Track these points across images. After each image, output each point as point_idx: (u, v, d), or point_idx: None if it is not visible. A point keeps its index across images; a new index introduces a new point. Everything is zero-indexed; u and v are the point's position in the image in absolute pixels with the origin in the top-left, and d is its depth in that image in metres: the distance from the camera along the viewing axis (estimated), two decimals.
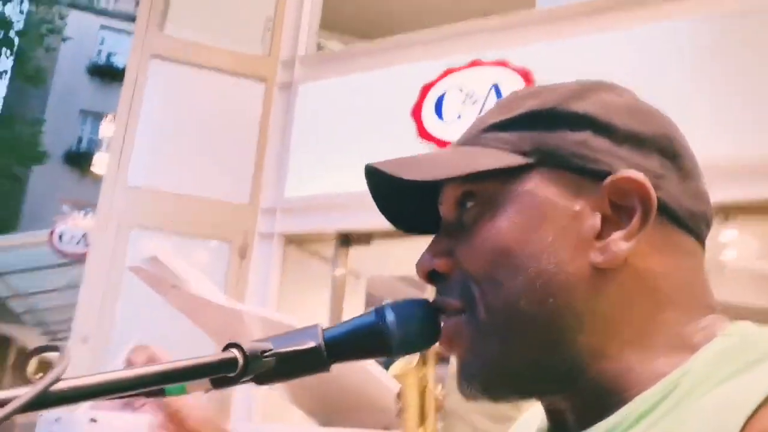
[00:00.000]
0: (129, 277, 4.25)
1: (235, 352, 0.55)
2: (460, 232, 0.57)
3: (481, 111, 5.16)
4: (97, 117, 19.32)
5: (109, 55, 21.30)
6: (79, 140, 20.64)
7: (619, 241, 0.51)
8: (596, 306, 0.51)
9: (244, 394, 5.36)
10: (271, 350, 0.58)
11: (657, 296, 0.52)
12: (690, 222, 0.54)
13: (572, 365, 0.52)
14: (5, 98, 18.42)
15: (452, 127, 5.27)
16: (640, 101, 0.58)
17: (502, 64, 5.22)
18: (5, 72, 17.32)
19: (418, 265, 0.59)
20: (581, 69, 4.02)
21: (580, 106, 0.55)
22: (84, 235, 8.84)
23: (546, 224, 0.52)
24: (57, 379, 0.42)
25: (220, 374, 0.54)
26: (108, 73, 20.32)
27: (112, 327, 5.29)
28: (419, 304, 0.61)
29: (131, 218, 5.60)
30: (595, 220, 0.52)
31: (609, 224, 0.52)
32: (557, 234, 0.52)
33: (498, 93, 5.17)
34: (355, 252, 5.84)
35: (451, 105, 5.34)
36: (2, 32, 16.20)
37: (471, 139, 0.59)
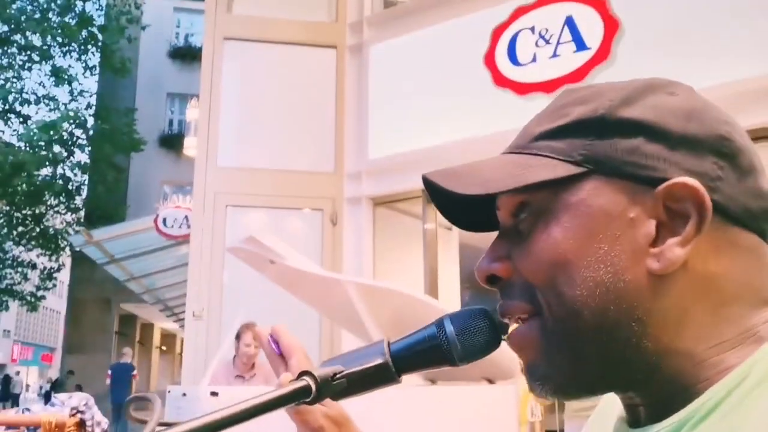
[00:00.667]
0: (231, 254, 4.45)
1: (307, 380, 0.59)
2: (517, 239, 0.58)
3: (555, 49, 5.00)
4: (183, 98, 19.97)
5: (186, 36, 21.88)
6: (170, 123, 21.45)
7: (674, 248, 0.51)
8: (658, 309, 0.52)
9: (353, 346, 5.54)
10: (341, 372, 0.61)
11: (719, 295, 0.52)
12: (749, 220, 0.53)
13: (642, 366, 0.53)
14: (98, 93, 19.30)
15: (529, 69, 5.13)
16: (695, 99, 0.57)
17: None
18: (94, 68, 18.14)
19: (478, 269, 0.60)
20: None
21: (631, 113, 0.54)
22: (186, 217, 9.27)
23: (601, 234, 0.53)
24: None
25: (296, 402, 0.59)
26: (188, 54, 20.88)
27: (221, 303, 5.57)
28: (477, 314, 0.63)
29: (225, 197, 5.83)
30: (650, 227, 0.52)
31: (664, 230, 0.52)
32: (613, 243, 0.52)
33: (572, 27, 4.97)
34: None
35: (524, 47, 5.18)
36: (86, 30, 16.92)
37: (522, 147, 0.59)
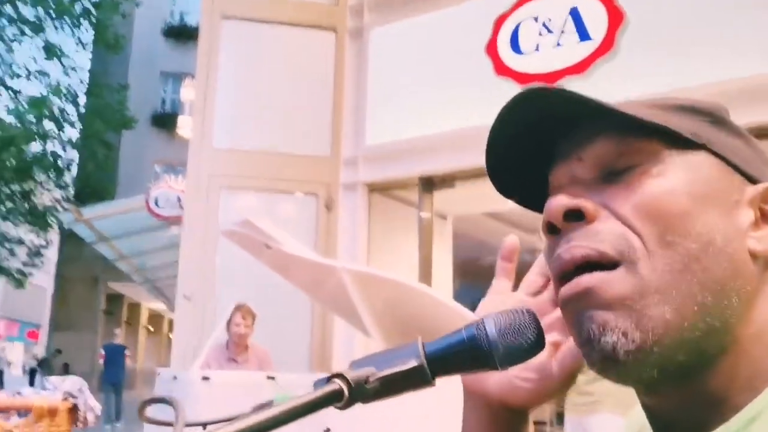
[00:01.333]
0: (224, 237, 4.40)
1: (339, 383, 0.55)
2: (612, 185, 0.54)
3: (559, 39, 4.95)
4: (177, 77, 19.82)
5: (182, 15, 21.67)
6: (163, 102, 21.29)
7: None
8: (747, 291, 0.52)
9: (345, 346, 5.54)
10: (374, 375, 0.57)
11: None
12: None
13: (719, 345, 0.51)
14: (90, 69, 19.09)
15: (531, 59, 5.09)
16: None
17: None
18: (87, 44, 17.92)
19: (555, 203, 0.54)
20: None
21: (731, 118, 0.59)
22: (178, 198, 9.19)
23: (714, 201, 0.53)
24: None
25: (328, 406, 0.55)
26: (183, 33, 20.71)
27: (214, 284, 5.53)
28: (521, 314, 0.59)
29: (219, 179, 5.77)
30: (751, 214, 0.54)
31: (758, 223, 0.55)
32: (723, 213, 0.53)
33: (577, 18, 4.93)
34: (439, 194, 5.82)
35: (527, 36, 5.13)
36: (80, 5, 16.70)
37: (632, 109, 0.54)
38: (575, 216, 0.54)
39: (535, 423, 5.59)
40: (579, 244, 0.53)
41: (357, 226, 5.84)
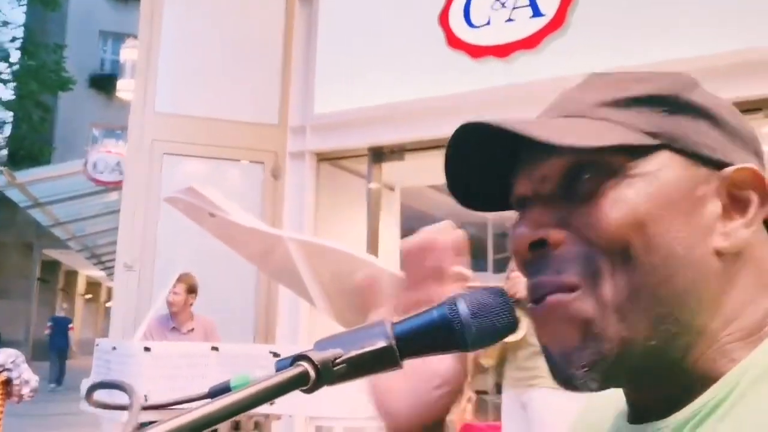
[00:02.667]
0: (167, 204, 4.29)
1: (305, 366, 0.52)
2: (573, 203, 0.54)
3: (511, 14, 4.94)
4: (118, 37, 19.10)
5: None
6: (102, 63, 20.53)
7: (740, 229, 0.52)
8: (713, 289, 0.52)
9: (289, 317, 5.50)
10: (341, 356, 0.54)
11: (762, 282, 0.53)
12: None
13: (683, 347, 0.52)
14: (25, 26, 18.22)
15: (483, 32, 5.07)
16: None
17: None
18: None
19: (519, 236, 0.56)
20: None
21: (698, 97, 0.56)
22: (118, 163, 8.91)
23: (674, 206, 0.52)
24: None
25: (294, 390, 0.51)
26: None
27: (155, 253, 5.40)
28: (494, 293, 0.57)
29: (162, 144, 5.60)
30: (717, 207, 0.53)
31: (726, 213, 0.53)
32: (684, 217, 0.52)
33: None
34: (388, 165, 5.79)
35: (479, 8, 5.10)
36: None
37: (580, 112, 0.55)
38: (540, 245, 0.55)
39: (477, 392, 5.70)
40: (541, 277, 0.55)
41: (304, 195, 5.77)
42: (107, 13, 20.32)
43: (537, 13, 4.87)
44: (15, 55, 16.85)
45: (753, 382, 0.48)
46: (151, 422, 0.41)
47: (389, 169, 5.88)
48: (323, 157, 5.90)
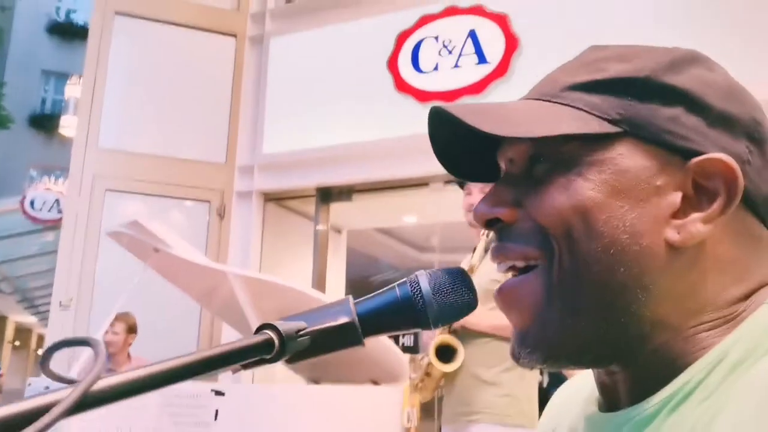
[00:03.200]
0: (107, 241, 4.18)
1: (270, 334, 0.52)
2: (531, 185, 0.55)
3: (458, 60, 5.09)
4: (61, 77, 18.76)
5: (68, 13, 20.61)
6: (43, 102, 20.10)
7: (697, 223, 0.51)
8: (664, 281, 0.51)
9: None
10: (305, 329, 0.54)
11: (721, 277, 0.52)
12: (763, 210, 0.54)
13: (635, 336, 0.52)
14: None
15: (431, 77, 5.19)
16: (732, 80, 0.56)
17: (478, 9, 5.13)
18: None
19: (477, 211, 0.58)
20: (558, 13, 3.99)
21: (676, 80, 0.53)
22: (56, 201, 8.66)
23: (625, 193, 0.51)
24: (96, 380, 0.39)
25: (257, 357, 0.51)
26: (68, 31, 19.68)
27: (93, 292, 5.23)
28: (454, 273, 0.58)
29: (105, 181, 5.48)
30: (675, 198, 0.52)
31: (689, 204, 0.52)
32: (635, 205, 0.51)
33: (475, 39, 5.09)
34: (336, 207, 5.80)
35: (427, 55, 5.24)
36: None
37: (552, 95, 0.56)
38: (495, 222, 0.57)
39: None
40: (502, 243, 0.57)
41: (250, 235, 5.71)
42: (51, 52, 20.00)
43: (482, 60, 5.03)
44: None
45: (736, 363, 0.47)
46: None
47: (337, 211, 5.89)
48: (270, 197, 5.88)
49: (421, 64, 5.25)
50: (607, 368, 0.55)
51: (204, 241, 5.60)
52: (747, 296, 0.52)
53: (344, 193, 5.62)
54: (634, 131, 0.52)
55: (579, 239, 0.51)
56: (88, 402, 0.39)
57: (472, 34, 5.10)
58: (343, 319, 0.57)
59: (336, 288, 6.28)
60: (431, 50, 5.23)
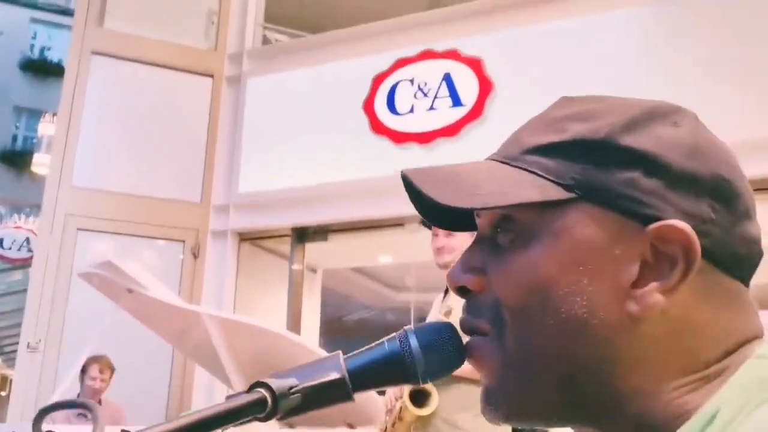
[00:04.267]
0: (78, 281, 4.10)
1: (263, 392, 0.52)
2: (494, 253, 0.55)
3: (433, 103, 5.17)
4: (33, 114, 18.60)
5: (42, 50, 20.53)
6: (14, 138, 19.89)
7: (654, 293, 0.49)
8: (630, 351, 0.50)
9: (205, 399, 5.27)
10: (297, 386, 0.55)
11: (693, 340, 0.50)
12: (734, 266, 0.52)
13: (606, 403, 0.51)
14: None
15: (406, 119, 5.26)
16: (699, 133, 0.54)
17: (453, 53, 5.23)
18: None
19: (450, 276, 0.58)
20: (532, 57, 4.09)
21: (634, 141, 0.51)
22: (26, 239, 8.51)
23: (582, 266, 0.50)
24: None
25: (250, 416, 0.51)
26: (42, 69, 19.57)
27: (63, 333, 5.12)
28: (443, 329, 0.59)
29: (78, 220, 5.42)
30: (634, 267, 0.50)
31: (649, 271, 0.50)
32: (593, 277, 0.50)
33: (449, 84, 5.18)
34: (311, 246, 5.79)
35: (403, 97, 5.32)
36: None
37: (513, 158, 0.56)
38: (464, 290, 0.57)
39: None
40: (467, 316, 0.57)
41: (224, 275, 5.67)
42: (24, 89, 19.86)
43: (457, 103, 5.12)
44: None
45: (726, 422, 0.46)
46: None
47: (312, 251, 5.88)
48: (245, 237, 5.85)
49: (397, 106, 5.32)
50: (582, 429, 0.55)
51: (177, 280, 5.54)
52: (729, 353, 0.50)
53: (320, 232, 5.62)
54: (590, 197, 0.51)
55: (534, 315, 0.51)
56: None
57: (447, 78, 5.20)
58: (333, 375, 0.58)
59: (311, 327, 6.24)
60: (407, 93, 5.31)
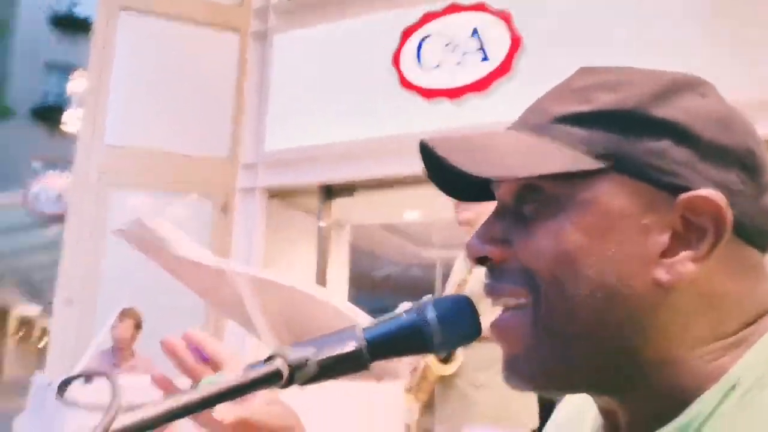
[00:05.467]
0: (111, 237, 4.19)
1: (279, 364, 0.53)
2: (519, 223, 0.55)
3: (462, 58, 5.09)
4: (63, 70, 18.76)
5: (70, 5, 20.61)
6: (46, 94, 20.11)
7: (686, 262, 0.50)
8: (658, 319, 0.50)
9: (238, 344, 5.40)
10: (313, 356, 0.56)
11: (720, 310, 0.51)
12: (758, 237, 0.52)
13: (633, 372, 0.52)
14: None
15: (435, 74, 5.20)
16: (726, 106, 0.54)
17: (481, 7, 5.12)
18: None
19: (470, 247, 0.57)
20: (562, 11, 3.98)
21: (664, 112, 0.51)
22: (59, 195, 8.68)
23: (612, 235, 0.50)
24: (112, 421, 0.40)
25: (267, 387, 0.53)
26: (71, 24, 19.68)
27: (98, 288, 5.25)
28: (461, 301, 0.60)
29: (109, 176, 5.50)
30: (664, 237, 0.51)
31: (678, 241, 0.50)
32: (622, 246, 0.50)
33: (478, 38, 5.09)
34: (339, 203, 5.82)
35: (432, 51, 5.24)
36: None
37: (539, 127, 0.55)
38: (484, 259, 0.57)
39: None
40: (493, 282, 0.57)
41: (253, 232, 5.73)
42: (53, 45, 20.01)
43: (485, 58, 5.04)
44: None
45: (747, 389, 0.48)
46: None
47: (340, 207, 5.91)
48: (273, 194, 5.89)
49: (426, 61, 5.25)
50: (605, 397, 0.56)
51: (208, 236, 5.62)
52: (749, 323, 0.51)
53: (346, 189, 5.63)
54: (620, 167, 0.51)
55: (565, 283, 0.51)
56: None
57: (476, 32, 5.10)
58: (350, 347, 0.59)
59: (339, 282, 6.31)
60: (435, 47, 5.24)
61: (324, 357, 0.57)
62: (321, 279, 5.63)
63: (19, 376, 17.95)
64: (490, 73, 4.97)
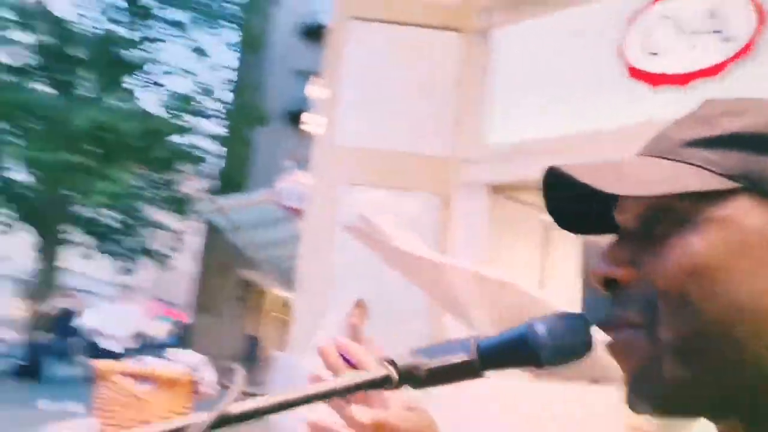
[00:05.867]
0: (343, 232, 4.53)
1: (390, 370, 0.59)
2: (648, 244, 0.56)
3: (695, 40, 4.69)
4: (309, 76, 20.49)
5: (315, 14, 22.45)
6: (296, 100, 22.16)
7: None
8: None
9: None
10: (425, 365, 0.61)
11: None
12: None
13: (759, 391, 0.51)
14: (235, 69, 20.18)
15: (664, 60, 4.85)
16: None
17: None
18: (231, 45, 18.94)
19: (595, 271, 0.58)
20: None
21: None
22: (302, 192, 9.53)
23: (747, 252, 0.51)
24: (228, 407, 0.49)
25: (377, 389, 0.59)
26: (316, 33, 21.45)
27: (331, 280, 5.69)
28: (572, 318, 0.61)
29: (341, 175, 5.94)
30: None
31: None
32: (755, 264, 0.51)
33: (716, 18, 4.64)
34: None
35: (660, 36, 4.90)
36: (229, 5, 17.61)
37: (668, 152, 0.56)
38: (611, 284, 0.57)
39: None
40: (615, 308, 0.57)
41: (476, 227, 5.81)
42: (302, 53, 21.94)
43: (725, 39, 4.58)
44: (223, 95, 18.65)
45: None
46: None
47: None
48: (497, 188, 5.92)
49: (654, 46, 4.93)
50: (728, 421, 0.55)
51: (432, 232, 5.82)
52: None
53: None
54: (754, 186, 0.52)
55: (696, 302, 0.51)
56: (222, 422, 0.49)
57: (713, 11, 4.66)
58: (462, 357, 0.63)
59: (566, 280, 6.15)
60: (665, 31, 4.88)
61: (434, 366, 0.62)
62: (545, 274, 5.55)
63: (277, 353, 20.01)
64: (730, 55, 4.52)
